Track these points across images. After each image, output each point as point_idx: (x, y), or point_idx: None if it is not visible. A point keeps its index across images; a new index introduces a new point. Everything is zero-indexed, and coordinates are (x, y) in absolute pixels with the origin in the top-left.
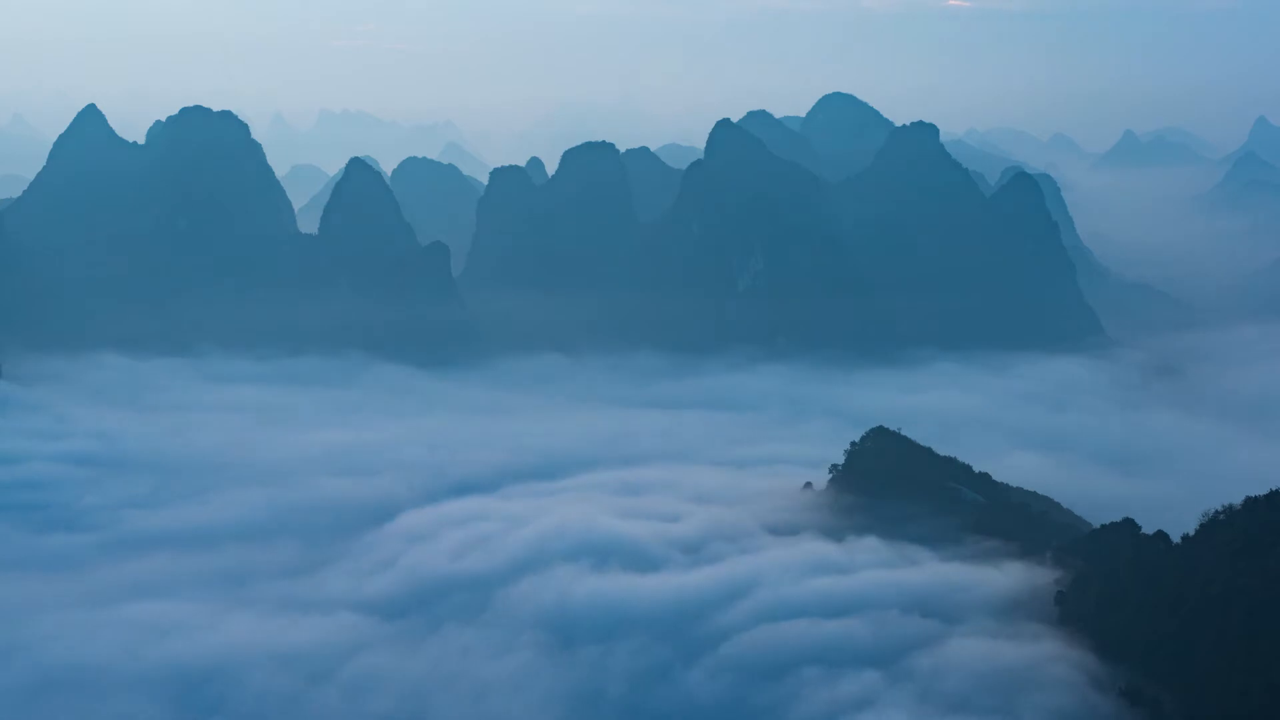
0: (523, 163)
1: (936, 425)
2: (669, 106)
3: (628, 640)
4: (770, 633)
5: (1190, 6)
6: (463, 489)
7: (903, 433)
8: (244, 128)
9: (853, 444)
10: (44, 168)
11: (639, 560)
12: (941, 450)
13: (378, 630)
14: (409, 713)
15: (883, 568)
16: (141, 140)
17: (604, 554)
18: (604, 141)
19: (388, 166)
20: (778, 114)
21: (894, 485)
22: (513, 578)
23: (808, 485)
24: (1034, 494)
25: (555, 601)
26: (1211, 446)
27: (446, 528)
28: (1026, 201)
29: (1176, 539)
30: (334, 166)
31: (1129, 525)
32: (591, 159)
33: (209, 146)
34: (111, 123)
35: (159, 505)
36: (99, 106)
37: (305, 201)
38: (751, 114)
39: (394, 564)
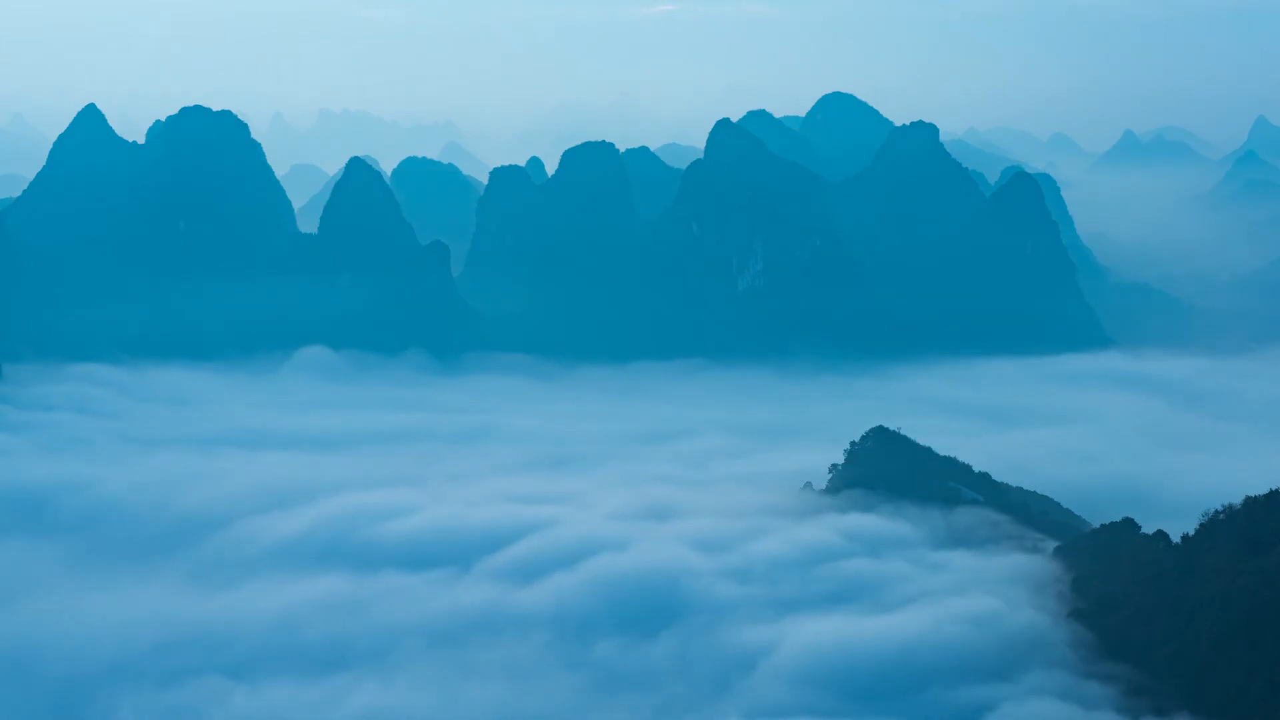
0: (523, 163)
1: (936, 424)
2: (669, 106)
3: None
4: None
5: (1190, 6)
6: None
7: (902, 432)
8: (244, 128)
9: (853, 443)
10: (44, 168)
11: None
12: (942, 449)
13: None
14: None
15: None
16: (141, 140)
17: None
18: (604, 141)
19: (388, 166)
20: (778, 114)
21: (894, 485)
22: None
23: (807, 485)
24: (1034, 494)
25: None
26: (1211, 446)
27: None
28: (1026, 201)
29: (1176, 539)
30: (334, 166)
31: (1129, 525)
32: (591, 159)
33: (209, 146)
34: (111, 123)
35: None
36: (99, 106)
37: (305, 201)
38: (751, 114)
39: None
